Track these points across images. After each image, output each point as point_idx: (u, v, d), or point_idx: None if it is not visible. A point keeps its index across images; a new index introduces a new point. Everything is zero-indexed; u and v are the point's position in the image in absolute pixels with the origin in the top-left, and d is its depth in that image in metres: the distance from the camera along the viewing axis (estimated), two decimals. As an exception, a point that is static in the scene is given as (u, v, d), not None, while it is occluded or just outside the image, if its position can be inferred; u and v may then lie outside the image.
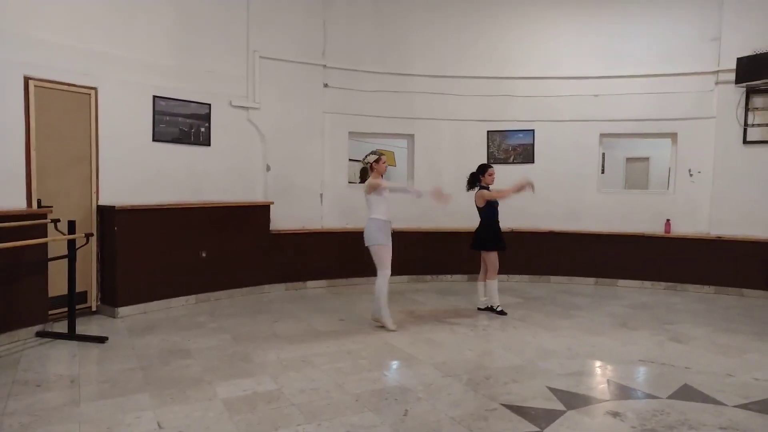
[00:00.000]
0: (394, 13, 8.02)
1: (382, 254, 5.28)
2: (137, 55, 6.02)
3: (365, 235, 5.34)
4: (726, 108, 7.45)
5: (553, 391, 3.80)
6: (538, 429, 3.20)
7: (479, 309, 6.25)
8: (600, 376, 4.26)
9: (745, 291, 7.23)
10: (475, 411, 3.46)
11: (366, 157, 5.48)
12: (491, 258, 6.04)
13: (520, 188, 5.89)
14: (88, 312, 5.72)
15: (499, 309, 6.03)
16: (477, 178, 6.12)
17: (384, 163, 5.42)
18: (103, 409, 3.42)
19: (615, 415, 3.43)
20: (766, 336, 5.31)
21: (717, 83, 7.53)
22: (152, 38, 6.16)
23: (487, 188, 6.07)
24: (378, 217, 5.29)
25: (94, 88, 5.68)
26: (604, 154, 8.48)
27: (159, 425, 3.19)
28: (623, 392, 3.84)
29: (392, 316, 5.42)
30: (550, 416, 3.38)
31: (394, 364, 4.44)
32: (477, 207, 6.12)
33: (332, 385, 3.86)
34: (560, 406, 3.53)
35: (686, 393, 3.80)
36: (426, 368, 4.26)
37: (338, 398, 3.63)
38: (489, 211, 6.07)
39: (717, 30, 7.51)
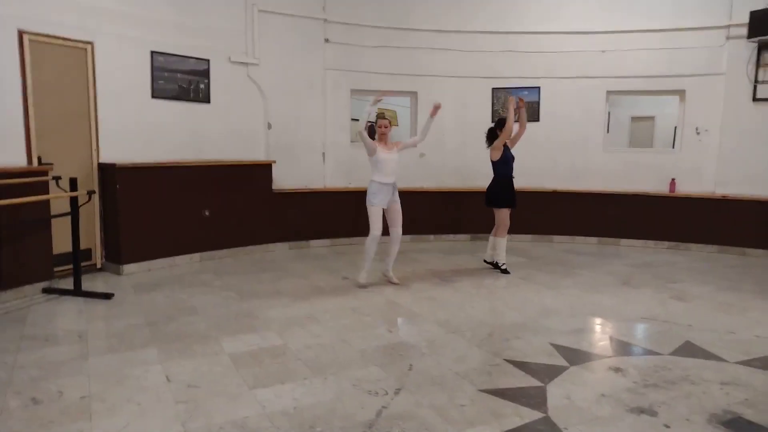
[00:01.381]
0: (397, -35, 7.76)
1: (372, 215, 5.30)
2: (133, 9, 5.85)
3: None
4: (736, 64, 7.28)
5: (556, 347, 3.83)
6: (541, 383, 3.24)
7: (485, 261, 6.30)
8: (602, 333, 4.30)
9: (748, 250, 7.24)
10: (479, 366, 3.50)
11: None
12: (501, 215, 6.03)
13: (512, 110, 5.91)
14: (93, 269, 5.76)
15: (503, 267, 6.05)
16: (495, 134, 6.01)
17: (382, 127, 5.35)
18: (111, 363, 3.46)
19: (617, 370, 3.47)
20: (768, 294, 5.35)
21: (728, 38, 7.33)
22: (148, -10, 5.98)
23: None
24: (374, 180, 5.30)
25: (91, 43, 5.54)
26: (609, 113, 8.33)
27: (168, 378, 3.24)
28: (625, 349, 3.87)
29: (369, 274, 5.44)
30: (553, 371, 3.42)
31: (398, 320, 4.49)
32: (491, 162, 6.05)
33: (337, 341, 3.90)
34: (563, 362, 3.57)
35: (688, 350, 3.83)
36: (429, 325, 4.30)
37: (343, 353, 3.67)
38: (502, 167, 6.00)
39: (729, -18, 7.27)
